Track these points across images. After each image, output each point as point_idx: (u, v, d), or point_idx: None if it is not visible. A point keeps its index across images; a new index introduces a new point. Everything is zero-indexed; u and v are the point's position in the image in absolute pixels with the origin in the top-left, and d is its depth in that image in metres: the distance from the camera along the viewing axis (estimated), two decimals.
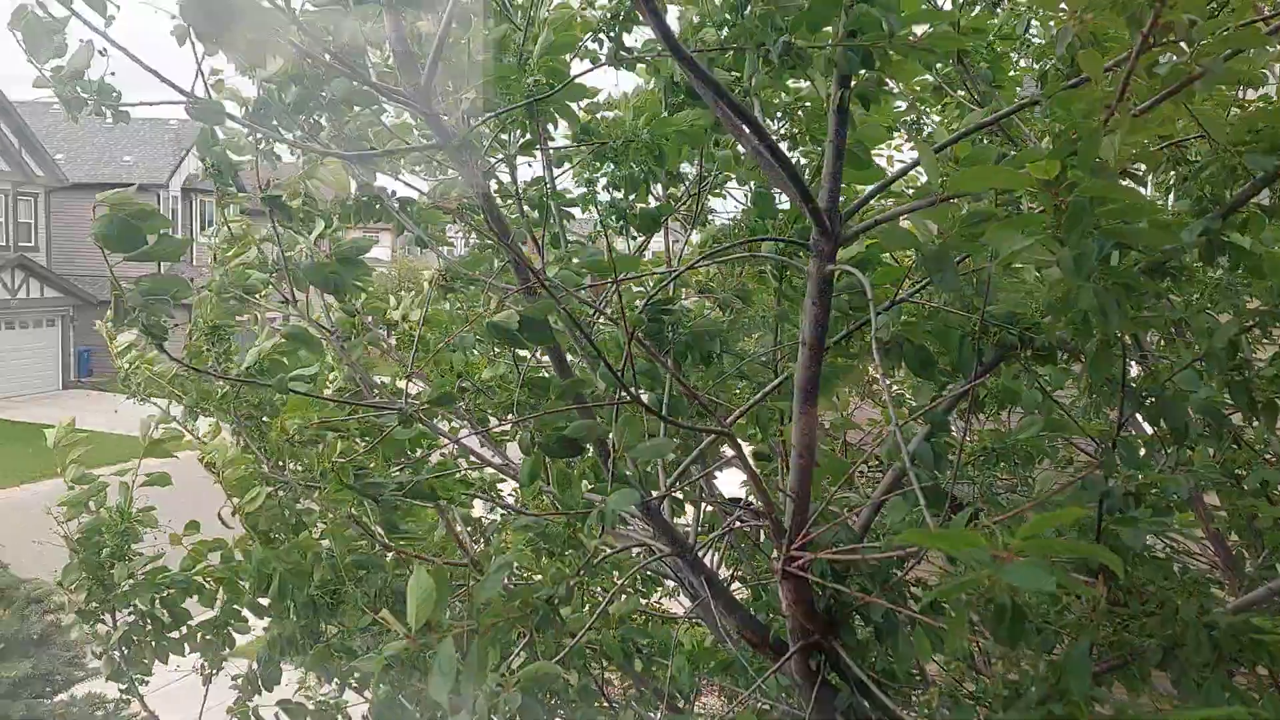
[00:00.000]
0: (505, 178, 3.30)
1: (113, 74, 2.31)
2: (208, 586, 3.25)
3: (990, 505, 2.87)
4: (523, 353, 3.17)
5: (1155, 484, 2.77)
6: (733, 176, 3.38)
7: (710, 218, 3.70)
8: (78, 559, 3.26)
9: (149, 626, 3.25)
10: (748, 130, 1.99)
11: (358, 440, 2.95)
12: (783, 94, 2.95)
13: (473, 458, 3.57)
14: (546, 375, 2.89)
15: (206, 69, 2.25)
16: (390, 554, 3.11)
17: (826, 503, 2.29)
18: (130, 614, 3.28)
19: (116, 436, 25.23)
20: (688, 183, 3.45)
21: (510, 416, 3.14)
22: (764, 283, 3.65)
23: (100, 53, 2.24)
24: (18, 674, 9.13)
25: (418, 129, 3.15)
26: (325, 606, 2.95)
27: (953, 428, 2.84)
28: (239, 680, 3.48)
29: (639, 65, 3.06)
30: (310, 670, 3.26)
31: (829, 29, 1.84)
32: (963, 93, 3.60)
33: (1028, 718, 1.64)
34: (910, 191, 3.34)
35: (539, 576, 2.84)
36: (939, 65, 3.42)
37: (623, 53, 2.53)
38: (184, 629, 3.33)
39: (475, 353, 3.53)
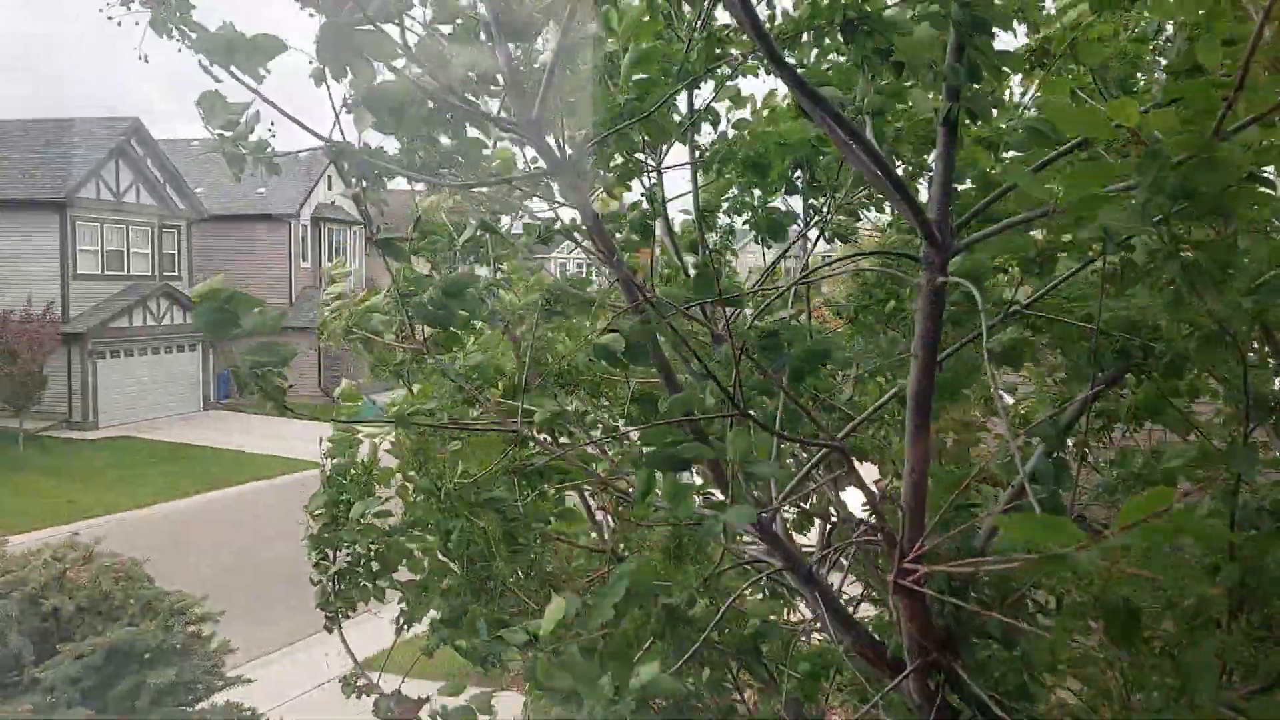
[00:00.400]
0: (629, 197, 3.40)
1: (272, 134, 2.51)
2: (415, 553, 3.60)
3: None
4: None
5: None
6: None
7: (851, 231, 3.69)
8: (324, 491, 3.71)
9: (361, 568, 3.63)
10: (855, 145, 2.01)
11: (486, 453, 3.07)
12: (898, 118, 2.95)
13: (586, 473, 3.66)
14: (657, 393, 2.95)
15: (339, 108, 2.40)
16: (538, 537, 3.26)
17: (940, 516, 2.27)
18: (348, 555, 3.72)
19: (249, 454, 26.23)
20: (829, 195, 3.45)
21: (621, 431, 3.20)
22: (884, 298, 3.64)
23: (258, 114, 2.45)
24: (163, 681, 9.65)
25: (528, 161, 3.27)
26: (485, 568, 3.14)
27: (1075, 446, 2.77)
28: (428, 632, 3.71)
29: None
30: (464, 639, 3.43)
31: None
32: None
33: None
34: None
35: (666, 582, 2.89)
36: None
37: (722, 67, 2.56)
38: (389, 579, 3.73)
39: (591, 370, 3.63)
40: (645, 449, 2.42)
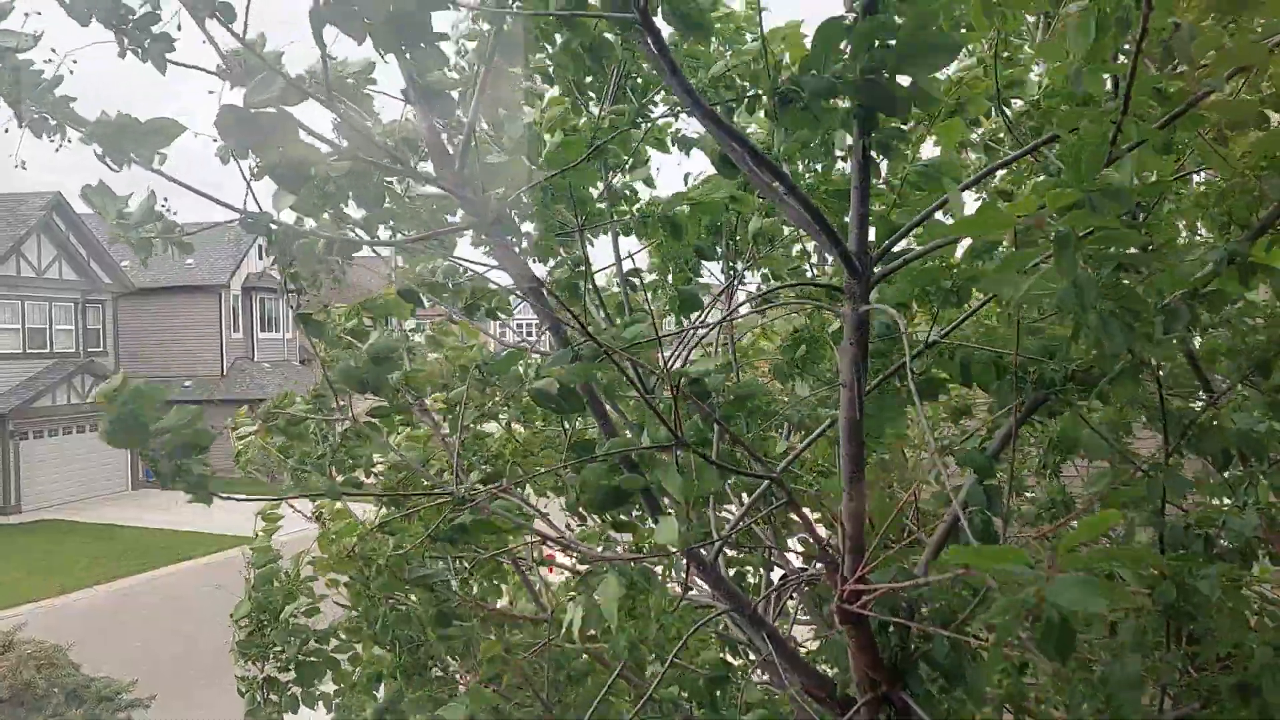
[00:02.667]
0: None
1: (173, 213, 2.52)
2: (342, 641, 3.72)
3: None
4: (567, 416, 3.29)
5: (1216, 518, 2.72)
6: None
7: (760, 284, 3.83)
8: (249, 600, 3.80)
9: (291, 675, 3.65)
10: (773, 180, 2.08)
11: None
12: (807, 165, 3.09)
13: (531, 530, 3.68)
14: (594, 437, 2.98)
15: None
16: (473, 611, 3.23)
17: (878, 538, 2.31)
18: (276, 664, 3.78)
19: (184, 533, 25.42)
20: (745, 255, 3.58)
21: (556, 478, 3.23)
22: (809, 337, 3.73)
23: (156, 194, 2.47)
24: None
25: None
26: (425, 648, 3.13)
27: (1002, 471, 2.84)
28: None
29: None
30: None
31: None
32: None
33: None
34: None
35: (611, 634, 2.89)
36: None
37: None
38: (318, 686, 3.79)
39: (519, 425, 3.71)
40: (582, 492, 2.44)
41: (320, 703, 3.90)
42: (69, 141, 2.20)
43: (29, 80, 2.09)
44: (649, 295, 3.78)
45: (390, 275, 3.52)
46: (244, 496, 2.55)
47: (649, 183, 3.52)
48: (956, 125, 2.64)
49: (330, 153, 2.48)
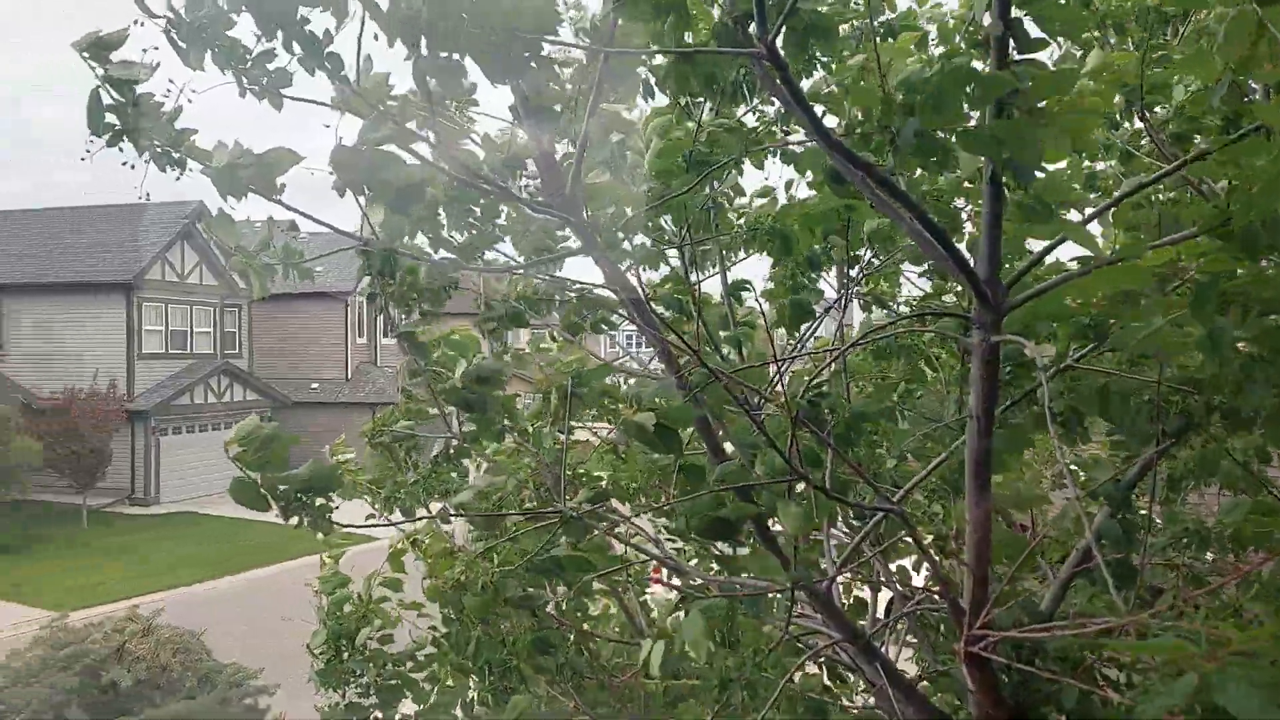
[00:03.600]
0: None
1: (300, 237, 2.60)
2: (419, 662, 3.65)
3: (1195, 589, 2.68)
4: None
5: None
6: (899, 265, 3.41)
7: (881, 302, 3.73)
8: (324, 628, 3.85)
9: (373, 700, 3.71)
10: (900, 206, 2.01)
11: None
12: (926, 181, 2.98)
13: (635, 551, 3.66)
14: (703, 460, 2.94)
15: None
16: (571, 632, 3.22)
17: (1006, 580, 2.21)
18: (356, 689, 3.81)
19: (304, 530, 26.35)
20: (862, 266, 3.49)
21: (665, 503, 3.20)
22: (925, 360, 3.61)
23: (275, 222, 2.56)
24: None
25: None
26: (514, 671, 3.11)
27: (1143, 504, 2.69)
28: None
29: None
30: None
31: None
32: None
33: None
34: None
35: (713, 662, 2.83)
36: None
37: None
38: (396, 712, 3.82)
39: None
40: (690, 518, 2.41)
41: None
42: (189, 172, 2.26)
43: (149, 112, 2.16)
44: (762, 307, 3.72)
45: (505, 287, 3.56)
46: (358, 526, 2.63)
47: (737, 190, 3.47)
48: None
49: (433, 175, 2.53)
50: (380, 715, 3.87)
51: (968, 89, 1.74)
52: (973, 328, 2.05)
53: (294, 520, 2.33)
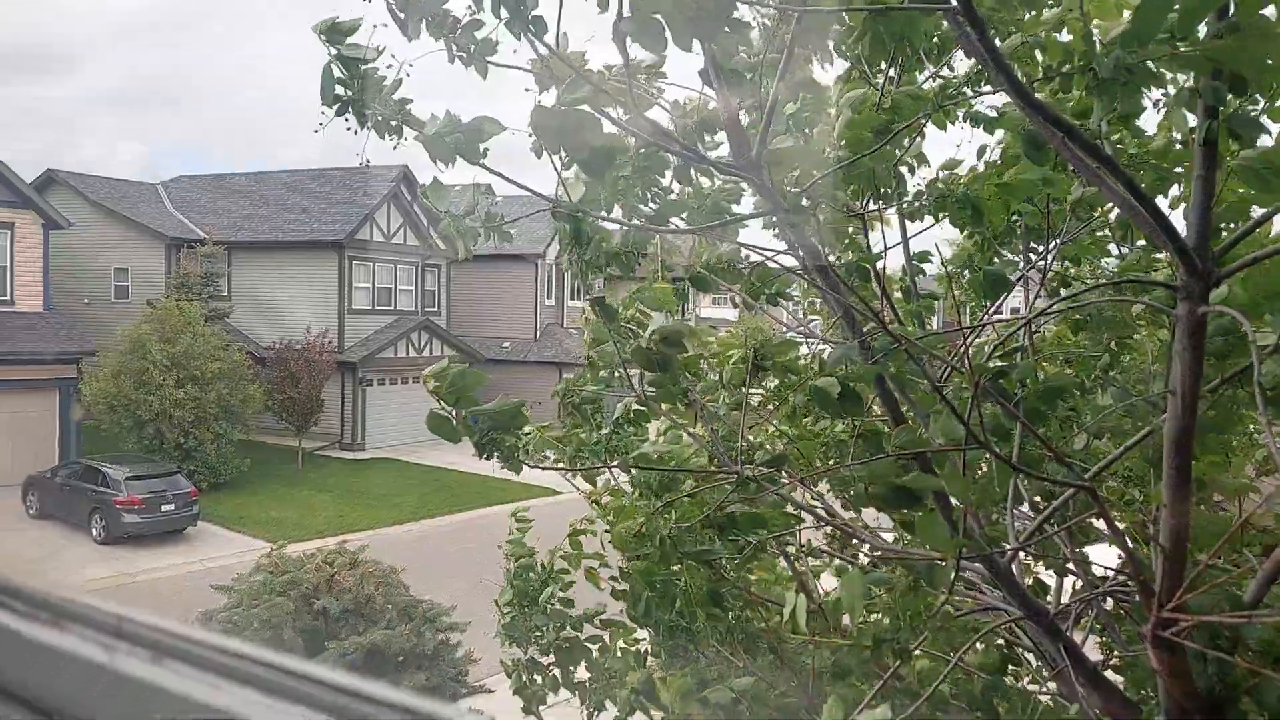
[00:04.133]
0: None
1: (497, 201, 2.75)
2: (597, 629, 3.85)
3: None
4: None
5: None
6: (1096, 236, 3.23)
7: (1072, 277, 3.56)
8: (510, 588, 4.15)
9: (550, 658, 3.95)
10: (1103, 170, 1.93)
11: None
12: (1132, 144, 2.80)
13: (810, 515, 3.66)
14: (881, 428, 2.91)
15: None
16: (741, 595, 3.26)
17: (1203, 566, 2.10)
18: (537, 647, 4.10)
19: (496, 479, 27.55)
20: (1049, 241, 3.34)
21: (844, 469, 3.17)
22: (1123, 333, 3.41)
23: (479, 187, 2.71)
24: (414, 684, 10.38)
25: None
26: (683, 631, 3.18)
27: None
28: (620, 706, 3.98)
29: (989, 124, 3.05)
30: (675, 696, 3.54)
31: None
32: None
33: None
34: None
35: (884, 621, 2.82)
36: None
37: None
38: (575, 671, 4.06)
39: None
40: (870, 484, 2.40)
41: (576, 692, 4.10)
42: (404, 140, 2.45)
43: (373, 86, 2.36)
44: (951, 279, 3.61)
45: (689, 255, 3.62)
46: (546, 467, 2.77)
47: (920, 160, 3.37)
48: None
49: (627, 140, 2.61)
50: (559, 673, 4.11)
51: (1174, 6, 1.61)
52: (1179, 298, 1.95)
53: (486, 458, 2.49)
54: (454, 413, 2.51)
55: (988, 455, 2.26)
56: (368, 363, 33.13)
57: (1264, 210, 1.97)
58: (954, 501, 2.67)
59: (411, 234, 35.57)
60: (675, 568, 3.20)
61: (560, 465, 3.47)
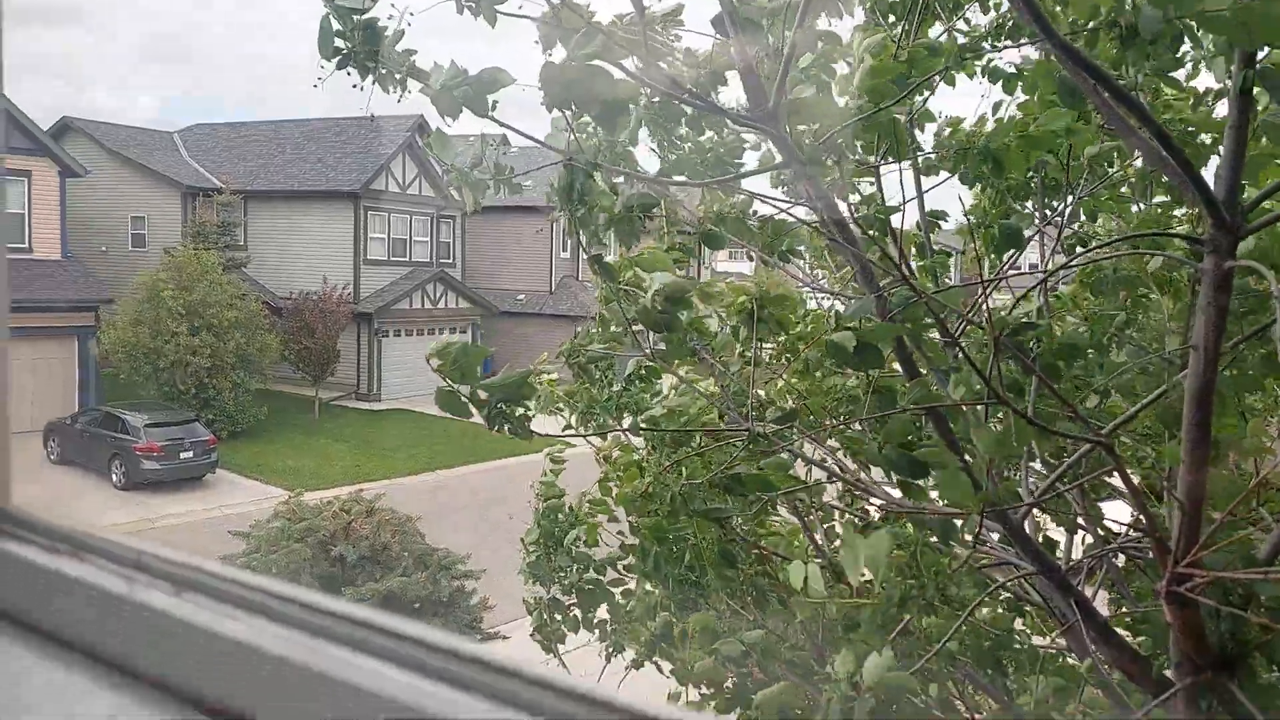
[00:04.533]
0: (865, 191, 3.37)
1: (510, 151, 2.70)
2: (617, 575, 3.94)
3: None
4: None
5: None
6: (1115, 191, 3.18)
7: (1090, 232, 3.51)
8: (538, 527, 4.14)
9: (572, 599, 3.97)
10: (1133, 119, 1.89)
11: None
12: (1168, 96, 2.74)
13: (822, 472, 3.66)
14: (896, 384, 2.90)
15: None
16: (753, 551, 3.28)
17: (1219, 524, 2.09)
18: (559, 587, 4.12)
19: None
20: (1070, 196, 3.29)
21: (857, 426, 3.16)
22: (1142, 290, 3.37)
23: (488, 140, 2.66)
24: None
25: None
26: (692, 585, 3.20)
27: None
28: (639, 649, 4.00)
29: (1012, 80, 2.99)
30: (696, 630, 3.58)
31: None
32: None
33: None
34: None
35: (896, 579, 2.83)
36: None
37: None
38: (595, 614, 4.03)
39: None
40: (883, 446, 2.39)
41: (596, 631, 4.17)
42: (409, 93, 2.39)
43: (374, 38, 2.29)
44: (973, 232, 3.56)
45: (699, 209, 3.58)
46: (555, 433, 2.77)
47: (925, 116, 3.31)
48: None
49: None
50: (579, 614, 4.15)
51: None
52: (1205, 252, 1.91)
53: (496, 431, 2.49)
54: (460, 388, 2.51)
55: (1000, 414, 2.24)
56: (383, 314, 33.21)
57: None
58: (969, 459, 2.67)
59: (427, 185, 35.44)
60: (684, 523, 3.21)
61: (569, 431, 3.48)
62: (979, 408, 2.17)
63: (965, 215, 3.51)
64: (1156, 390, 2.49)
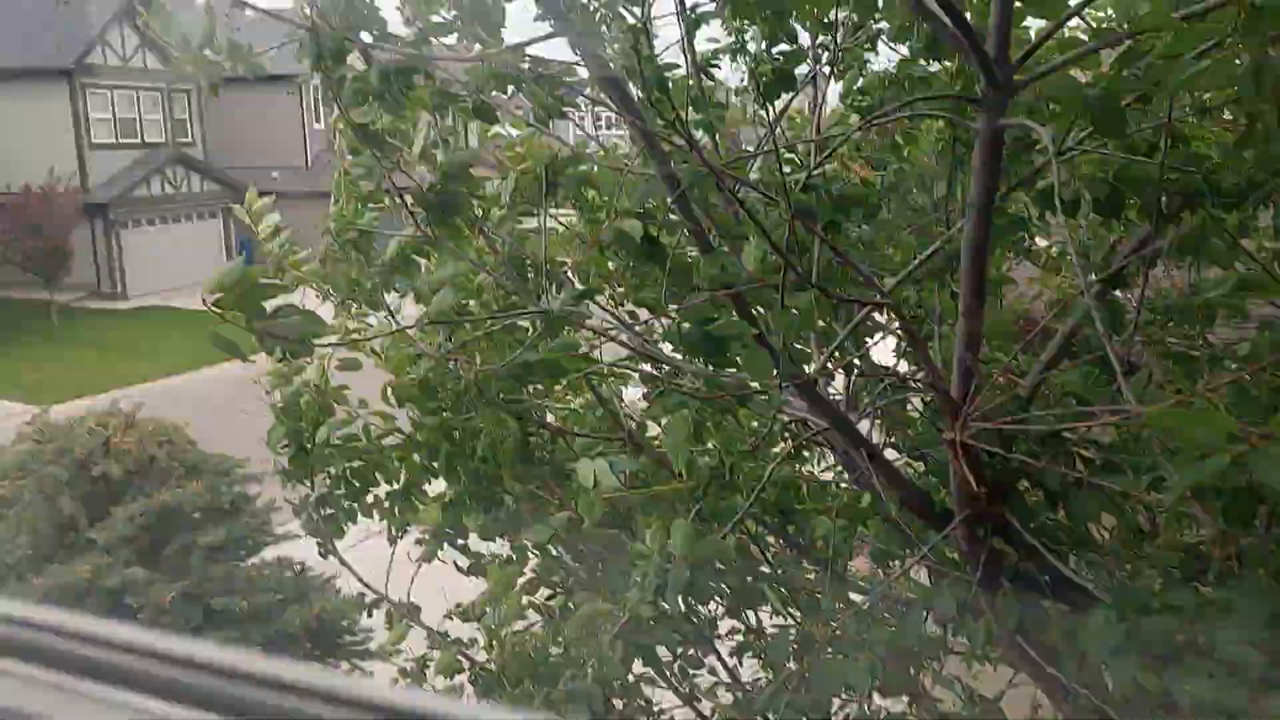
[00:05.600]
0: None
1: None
2: (391, 462, 3.48)
3: (1174, 367, 2.71)
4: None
5: None
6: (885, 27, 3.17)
7: (861, 68, 3.49)
8: (281, 425, 3.51)
9: (342, 490, 3.53)
10: None
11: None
12: None
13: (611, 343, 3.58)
14: (692, 260, 2.85)
15: None
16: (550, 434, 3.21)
17: (1001, 372, 2.21)
18: (325, 479, 3.57)
19: None
20: (838, 35, 3.27)
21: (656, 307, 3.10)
22: (916, 141, 3.47)
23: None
24: (214, 540, 10.04)
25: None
26: (489, 477, 3.10)
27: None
28: (424, 539, 3.71)
29: None
30: (483, 538, 3.46)
31: None
32: None
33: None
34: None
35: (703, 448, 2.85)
36: None
37: None
38: (372, 495, 3.60)
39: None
40: (683, 326, 2.35)
41: (375, 512, 3.67)
42: None
43: None
44: (735, 71, 3.44)
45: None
46: (335, 343, 2.53)
47: None
48: None
49: None
50: (355, 504, 3.66)
51: None
52: (980, 111, 1.94)
53: (271, 355, 2.23)
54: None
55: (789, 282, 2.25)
56: (120, 203, 30.10)
57: (1050, 22, 1.97)
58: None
59: (153, 56, 31.80)
60: (476, 417, 3.06)
61: (354, 338, 3.17)
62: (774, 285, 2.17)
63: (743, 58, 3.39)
64: (931, 246, 2.58)
